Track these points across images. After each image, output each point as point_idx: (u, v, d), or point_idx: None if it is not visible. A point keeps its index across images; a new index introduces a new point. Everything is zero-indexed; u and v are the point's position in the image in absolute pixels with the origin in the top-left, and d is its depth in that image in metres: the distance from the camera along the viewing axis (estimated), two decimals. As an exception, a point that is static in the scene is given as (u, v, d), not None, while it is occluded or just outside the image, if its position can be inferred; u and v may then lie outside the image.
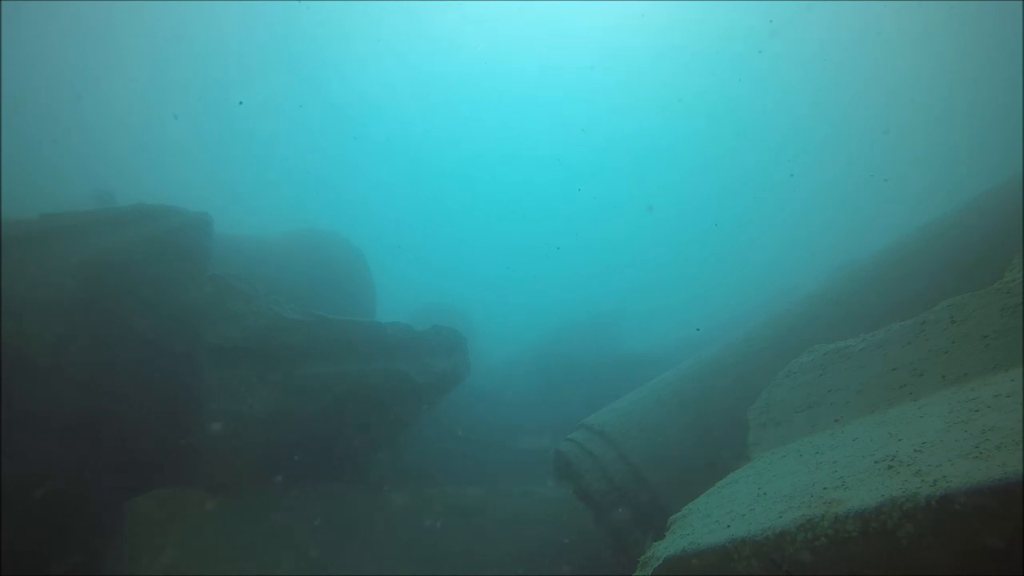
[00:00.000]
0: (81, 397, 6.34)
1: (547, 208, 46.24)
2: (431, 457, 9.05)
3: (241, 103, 35.31)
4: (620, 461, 4.69)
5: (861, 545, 1.80)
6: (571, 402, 9.68)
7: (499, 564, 6.11)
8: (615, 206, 43.27)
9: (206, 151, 38.91)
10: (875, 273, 4.97)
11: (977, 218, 4.56)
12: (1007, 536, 1.59)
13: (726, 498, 2.60)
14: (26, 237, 6.59)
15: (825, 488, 2.10)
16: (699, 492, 2.92)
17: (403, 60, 38.00)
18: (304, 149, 42.63)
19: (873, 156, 35.95)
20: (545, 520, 6.55)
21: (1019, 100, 24.17)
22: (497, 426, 10.65)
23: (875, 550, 1.77)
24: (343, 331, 7.15)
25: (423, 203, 47.77)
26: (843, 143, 36.75)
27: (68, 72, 31.41)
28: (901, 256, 4.93)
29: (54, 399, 6.19)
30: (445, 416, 9.76)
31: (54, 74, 31.10)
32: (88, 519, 6.30)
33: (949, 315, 3.03)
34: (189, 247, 7.66)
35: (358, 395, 6.99)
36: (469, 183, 47.50)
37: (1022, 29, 23.29)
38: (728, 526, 2.21)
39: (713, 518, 2.39)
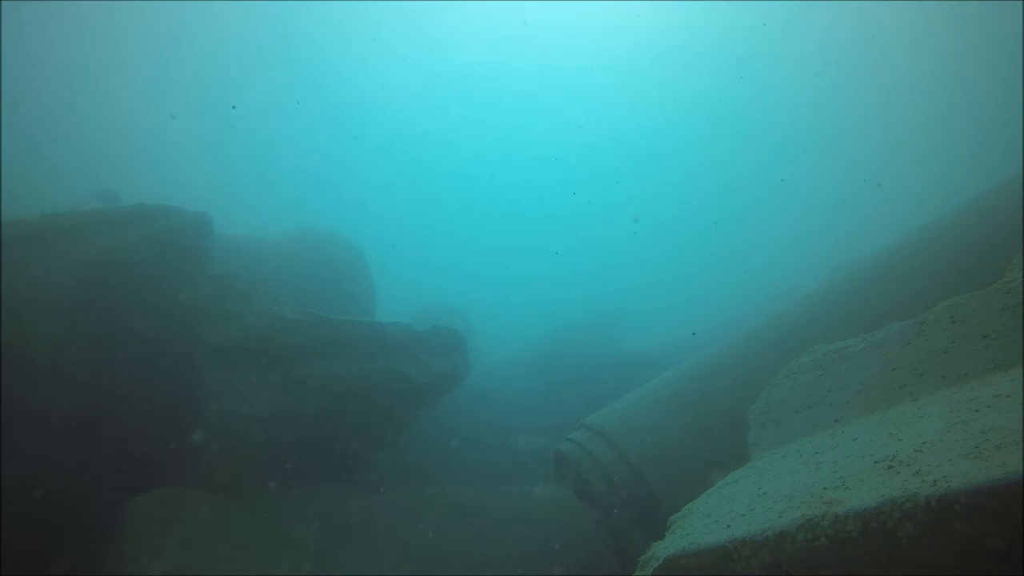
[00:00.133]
0: (81, 397, 6.34)
1: (547, 208, 46.23)
2: (431, 457, 9.04)
3: (234, 107, 35.14)
4: (620, 461, 4.69)
5: (861, 545, 1.79)
6: (571, 402, 9.66)
7: (499, 564, 6.10)
8: (615, 206, 43.28)
9: (206, 151, 38.87)
10: (875, 273, 4.98)
11: (977, 218, 4.57)
12: (1007, 536, 1.59)
13: (726, 498, 2.60)
14: (26, 237, 6.59)
15: (825, 488, 2.10)
16: (699, 492, 2.92)
17: (403, 60, 38.00)
18: (304, 149, 42.61)
19: (873, 156, 35.97)
20: (545, 520, 6.54)
21: (1019, 100, 24.16)
22: (497, 426, 10.63)
23: (875, 550, 1.77)
24: (343, 331, 7.15)
25: (423, 203, 47.76)
26: (843, 143, 36.77)
27: (68, 72, 31.41)
28: (901, 256, 4.93)
29: (54, 399, 6.19)
30: (445, 416, 9.75)
31: (54, 74, 31.09)
32: (88, 519, 6.30)
33: (949, 315, 3.03)
34: (189, 247, 7.67)
35: (358, 395, 6.99)
36: (469, 183, 47.48)
37: (1022, 29, 23.29)
38: (728, 526, 2.21)
39: (713, 518, 2.39)
